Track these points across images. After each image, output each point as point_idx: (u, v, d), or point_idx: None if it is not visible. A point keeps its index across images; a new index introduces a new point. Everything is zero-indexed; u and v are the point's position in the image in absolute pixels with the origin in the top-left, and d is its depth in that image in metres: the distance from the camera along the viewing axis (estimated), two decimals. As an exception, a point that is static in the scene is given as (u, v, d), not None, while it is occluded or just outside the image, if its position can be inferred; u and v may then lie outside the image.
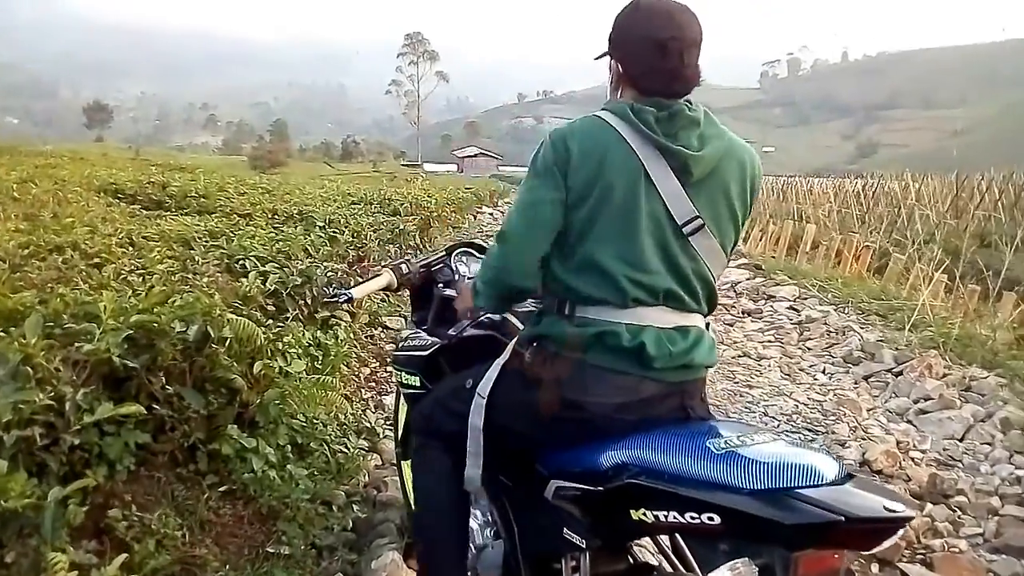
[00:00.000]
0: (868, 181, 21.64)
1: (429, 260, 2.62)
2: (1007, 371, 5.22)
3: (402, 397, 2.95)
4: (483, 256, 2.74)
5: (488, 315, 2.27)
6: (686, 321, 1.78)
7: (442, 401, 2.16)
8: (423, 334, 2.58)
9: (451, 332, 2.38)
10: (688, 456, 1.47)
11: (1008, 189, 13.89)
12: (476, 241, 2.86)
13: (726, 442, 1.47)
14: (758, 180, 1.90)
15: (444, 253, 2.69)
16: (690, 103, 1.79)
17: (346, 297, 2.29)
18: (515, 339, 1.96)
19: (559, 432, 1.78)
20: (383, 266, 2.58)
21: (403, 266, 2.52)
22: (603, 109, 1.80)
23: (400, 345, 2.71)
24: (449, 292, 2.54)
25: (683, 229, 1.74)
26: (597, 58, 1.95)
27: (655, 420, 1.72)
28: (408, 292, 2.73)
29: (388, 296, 5.95)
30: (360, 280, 2.51)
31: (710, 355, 1.82)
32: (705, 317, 1.85)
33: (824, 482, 1.33)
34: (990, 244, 11.49)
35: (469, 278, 2.63)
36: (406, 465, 3.14)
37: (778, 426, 4.75)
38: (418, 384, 2.54)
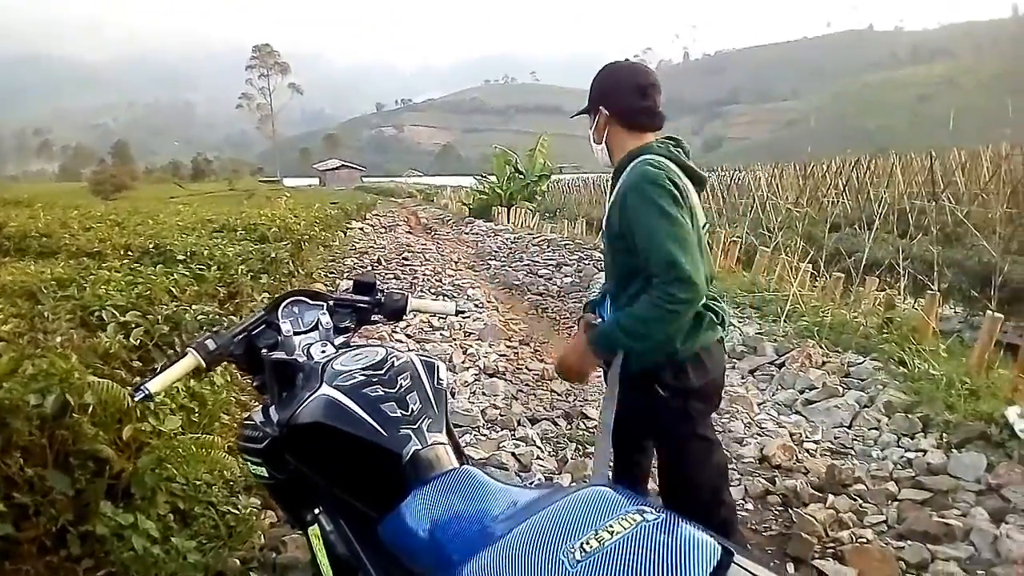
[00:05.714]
0: (721, 174, 22.64)
1: (245, 326, 2.27)
2: (881, 355, 5.48)
3: None
4: (318, 303, 2.37)
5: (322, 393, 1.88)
6: None
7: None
8: (258, 416, 2.19)
9: (282, 419, 2.00)
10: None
11: (852, 176, 14.86)
12: (307, 289, 2.57)
13: (583, 547, 1.23)
14: None
15: (263, 313, 2.35)
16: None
17: (144, 395, 1.93)
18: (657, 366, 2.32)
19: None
20: (187, 346, 2.19)
21: (208, 343, 2.13)
22: (651, 154, 2.30)
23: (240, 434, 2.32)
24: (278, 355, 2.19)
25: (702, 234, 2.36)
26: (575, 115, 2.60)
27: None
28: (235, 366, 2.36)
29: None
30: (158, 369, 2.08)
31: None
32: None
33: None
34: (839, 227, 12.18)
35: (297, 333, 2.29)
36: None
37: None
38: (266, 474, 2.18)
